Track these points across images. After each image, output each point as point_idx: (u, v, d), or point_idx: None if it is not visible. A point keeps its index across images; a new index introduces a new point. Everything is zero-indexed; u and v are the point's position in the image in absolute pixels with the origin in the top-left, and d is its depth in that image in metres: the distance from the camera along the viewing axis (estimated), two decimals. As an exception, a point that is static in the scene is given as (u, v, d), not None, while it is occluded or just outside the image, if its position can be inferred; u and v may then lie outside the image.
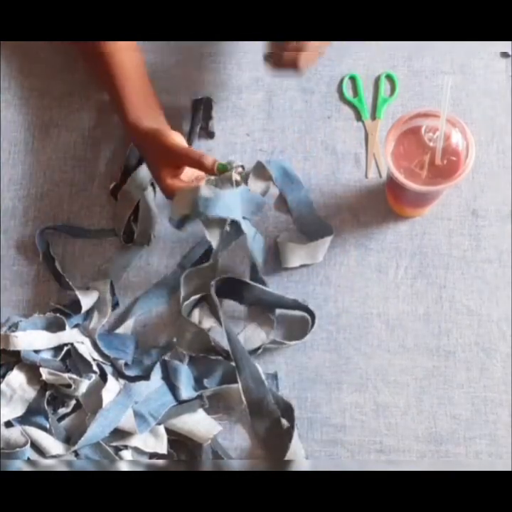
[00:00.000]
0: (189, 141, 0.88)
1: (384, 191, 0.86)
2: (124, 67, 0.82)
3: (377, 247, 0.85)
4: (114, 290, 0.85)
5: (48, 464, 0.76)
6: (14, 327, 0.81)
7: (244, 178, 0.78)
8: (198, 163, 0.76)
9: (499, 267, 0.84)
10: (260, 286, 0.82)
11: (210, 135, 0.89)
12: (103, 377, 0.80)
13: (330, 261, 0.85)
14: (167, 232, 0.87)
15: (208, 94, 0.91)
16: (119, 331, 0.84)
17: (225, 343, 0.80)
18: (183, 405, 0.80)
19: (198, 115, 0.89)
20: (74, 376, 0.78)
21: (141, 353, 0.83)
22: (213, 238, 0.77)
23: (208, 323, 0.83)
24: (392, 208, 0.85)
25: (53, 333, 0.80)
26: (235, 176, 0.75)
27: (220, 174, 0.76)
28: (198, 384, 0.81)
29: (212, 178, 0.77)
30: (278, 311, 0.84)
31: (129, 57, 0.83)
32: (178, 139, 0.78)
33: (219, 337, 0.81)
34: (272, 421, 0.80)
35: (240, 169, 0.77)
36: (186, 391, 0.79)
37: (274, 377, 0.82)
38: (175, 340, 0.82)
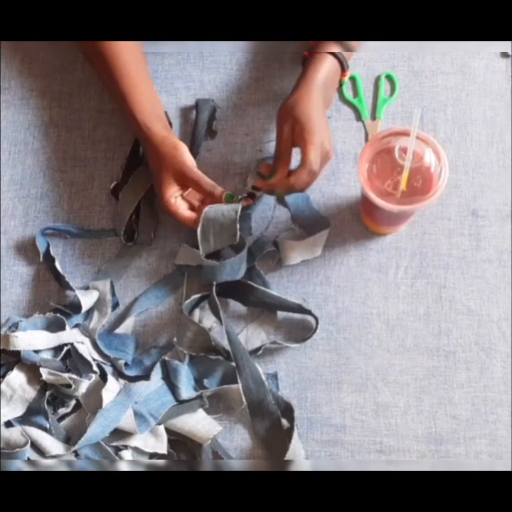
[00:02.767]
0: (193, 141, 0.88)
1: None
2: (129, 70, 0.82)
3: (377, 247, 0.86)
4: (114, 290, 0.85)
5: (48, 464, 0.76)
6: (14, 327, 0.81)
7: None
8: (208, 193, 0.80)
9: (499, 267, 0.84)
10: (263, 288, 0.82)
11: (212, 135, 0.90)
12: (103, 377, 0.80)
13: (330, 261, 0.85)
14: (167, 232, 0.87)
15: (208, 94, 0.91)
16: (119, 330, 0.84)
17: (225, 343, 0.80)
18: (183, 405, 0.80)
19: (203, 116, 0.89)
20: (74, 376, 0.78)
21: (141, 353, 0.83)
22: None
23: (209, 322, 0.83)
24: (366, 224, 0.86)
25: (53, 333, 0.80)
26: (238, 211, 0.78)
27: (227, 203, 0.79)
28: (198, 384, 0.81)
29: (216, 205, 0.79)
30: (280, 312, 0.84)
31: (132, 57, 0.83)
32: (192, 160, 0.80)
33: (219, 337, 0.81)
34: (272, 421, 0.80)
35: (244, 202, 0.80)
36: (186, 391, 0.79)
37: (274, 377, 0.82)
38: (175, 340, 0.82)
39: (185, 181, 0.80)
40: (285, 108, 0.79)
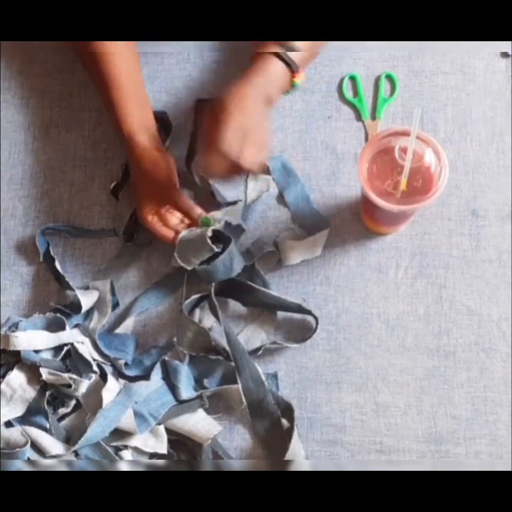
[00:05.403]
0: (192, 141, 0.88)
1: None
2: (120, 77, 0.82)
3: (377, 247, 0.86)
4: (114, 290, 0.85)
5: (48, 464, 0.76)
6: (14, 327, 0.81)
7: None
8: (185, 212, 0.81)
9: (499, 267, 0.84)
10: (263, 289, 0.82)
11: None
12: (103, 377, 0.80)
13: (330, 261, 0.85)
14: (167, 232, 0.87)
15: (207, 94, 0.91)
16: (119, 330, 0.84)
17: (225, 343, 0.80)
18: (183, 405, 0.80)
19: (203, 116, 0.89)
20: (74, 376, 0.78)
21: (141, 353, 0.83)
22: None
23: (209, 322, 0.83)
24: (366, 224, 0.86)
25: (53, 333, 0.80)
26: (209, 233, 0.80)
27: (202, 226, 0.81)
28: (198, 384, 0.81)
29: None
30: (280, 312, 0.84)
31: (125, 64, 0.82)
32: (172, 176, 0.81)
33: (219, 337, 0.81)
34: (272, 421, 0.80)
35: (220, 224, 0.82)
36: (186, 391, 0.79)
37: (274, 377, 0.82)
38: (175, 339, 0.82)
39: (163, 199, 0.81)
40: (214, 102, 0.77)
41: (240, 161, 0.75)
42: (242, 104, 0.76)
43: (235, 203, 0.86)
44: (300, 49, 0.79)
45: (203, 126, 0.78)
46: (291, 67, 0.79)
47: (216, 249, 0.79)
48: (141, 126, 0.81)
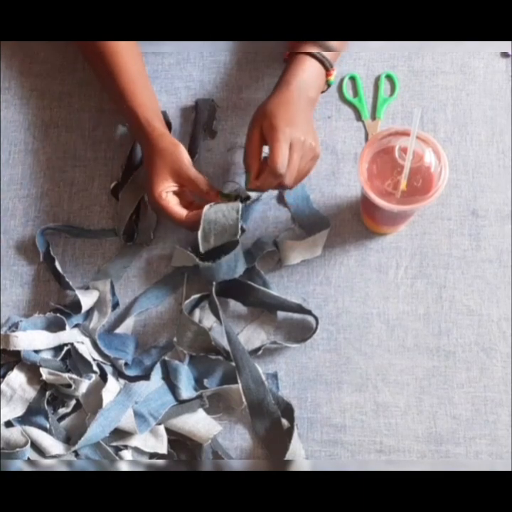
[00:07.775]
0: (193, 141, 0.88)
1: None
2: (128, 67, 0.82)
3: (377, 247, 0.86)
4: (114, 290, 0.85)
5: (48, 464, 0.76)
6: (14, 327, 0.81)
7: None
8: (203, 193, 0.79)
9: (499, 267, 0.84)
10: (263, 288, 0.82)
11: (212, 135, 0.89)
12: (103, 377, 0.80)
13: (330, 261, 0.85)
14: (167, 232, 0.87)
15: (208, 94, 0.91)
16: (119, 330, 0.84)
17: (225, 343, 0.80)
18: (183, 405, 0.80)
19: (203, 116, 0.89)
20: (74, 376, 0.78)
21: (141, 353, 0.83)
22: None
23: (209, 322, 0.83)
24: (366, 224, 0.86)
25: (53, 333, 0.80)
26: (240, 205, 0.77)
27: (223, 201, 0.78)
28: (198, 384, 0.81)
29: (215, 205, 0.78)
30: (280, 312, 0.84)
31: (132, 57, 0.83)
32: (189, 159, 0.80)
33: (219, 337, 0.81)
34: (272, 421, 0.80)
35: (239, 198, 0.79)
36: (186, 391, 0.79)
37: (274, 377, 0.82)
38: (175, 339, 0.82)
39: (180, 179, 0.79)
40: (259, 110, 0.78)
41: (286, 181, 0.76)
42: (289, 115, 0.76)
43: (245, 199, 0.82)
44: (336, 48, 0.80)
45: (250, 140, 0.77)
46: (326, 66, 0.80)
47: (239, 236, 0.77)
48: (153, 113, 0.81)
